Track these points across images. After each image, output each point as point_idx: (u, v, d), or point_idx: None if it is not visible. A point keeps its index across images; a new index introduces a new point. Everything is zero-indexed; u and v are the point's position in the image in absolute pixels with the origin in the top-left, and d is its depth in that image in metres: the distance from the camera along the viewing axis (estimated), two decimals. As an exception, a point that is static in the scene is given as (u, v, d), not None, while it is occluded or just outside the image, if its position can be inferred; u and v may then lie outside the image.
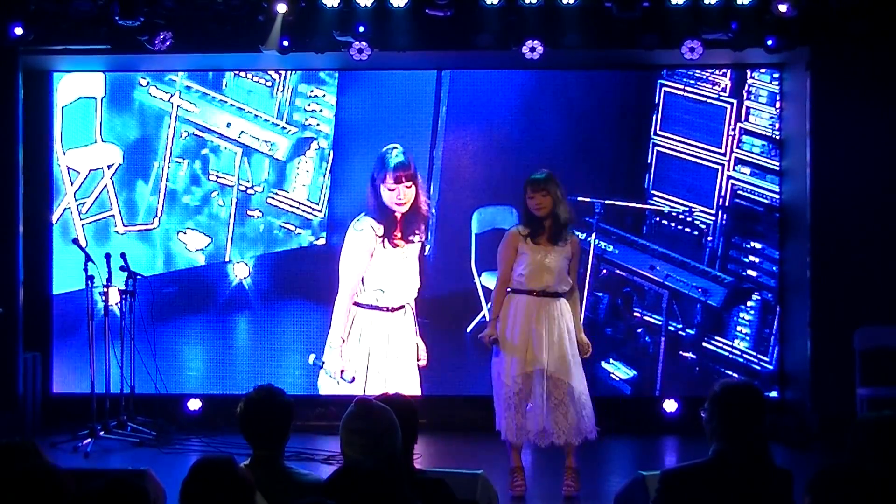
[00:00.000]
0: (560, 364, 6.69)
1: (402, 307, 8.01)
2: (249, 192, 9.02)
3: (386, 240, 7.83)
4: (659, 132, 8.93)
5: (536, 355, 6.67)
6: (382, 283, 7.92)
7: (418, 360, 8.05)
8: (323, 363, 8.17)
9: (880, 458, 3.49)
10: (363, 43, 8.02)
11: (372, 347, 7.98)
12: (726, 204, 8.88)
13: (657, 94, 8.93)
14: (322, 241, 9.01)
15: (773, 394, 8.76)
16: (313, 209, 9.01)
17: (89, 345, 8.29)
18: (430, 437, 8.16)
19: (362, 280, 7.91)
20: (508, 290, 6.86)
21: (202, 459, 3.24)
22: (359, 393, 7.84)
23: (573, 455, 6.79)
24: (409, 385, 8.14)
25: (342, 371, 8.02)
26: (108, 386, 8.29)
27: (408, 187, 7.84)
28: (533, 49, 8.01)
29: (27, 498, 3.18)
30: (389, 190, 7.81)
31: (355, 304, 7.96)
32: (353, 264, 7.90)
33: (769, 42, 8.03)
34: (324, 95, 9.02)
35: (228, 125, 9.03)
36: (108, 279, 8.28)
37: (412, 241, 8.01)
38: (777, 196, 8.85)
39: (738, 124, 8.88)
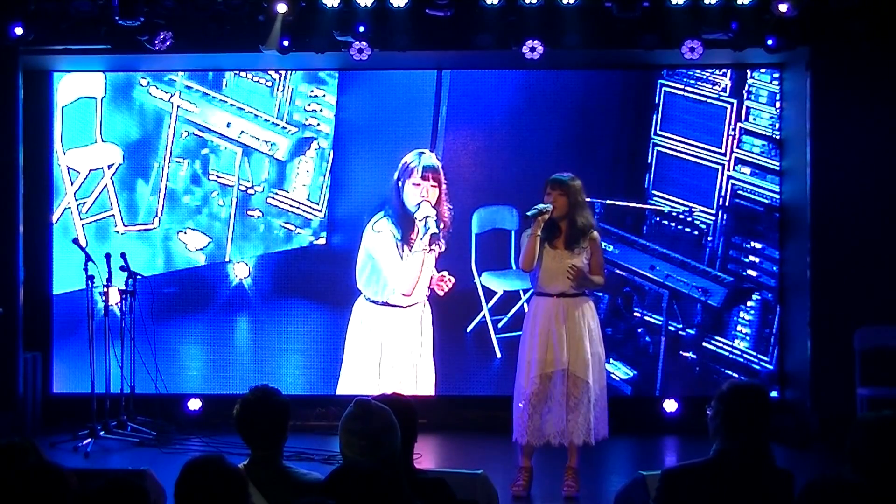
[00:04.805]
0: (580, 363, 6.70)
1: (415, 304, 8.09)
2: (249, 192, 9.02)
3: (403, 244, 7.89)
4: (659, 132, 8.92)
5: (556, 356, 6.68)
6: (397, 285, 8.01)
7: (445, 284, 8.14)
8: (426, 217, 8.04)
9: (880, 459, 3.49)
10: (363, 43, 8.02)
11: (384, 341, 8.04)
12: (726, 204, 8.88)
13: (657, 94, 8.93)
14: (322, 241, 9.00)
15: (774, 394, 8.74)
16: (313, 209, 9.01)
17: (89, 345, 8.28)
18: (431, 437, 8.17)
19: (377, 278, 7.97)
20: (531, 293, 6.96)
21: (192, 459, 3.26)
22: (386, 386, 7.95)
23: (576, 456, 6.79)
24: (422, 382, 8.20)
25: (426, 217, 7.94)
26: (108, 386, 8.29)
27: (433, 186, 7.87)
28: (533, 49, 8.01)
29: (33, 496, 3.19)
30: (414, 185, 7.82)
31: (368, 300, 8.02)
32: (388, 263, 7.94)
33: (769, 42, 8.02)
34: (324, 95, 9.02)
35: (228, 125, 9.02)
36: (108, 279, 8.29)
37: (432, 251, 8.10)
38: (777, 196, 8.85)
39: (739, 124, 8.88)
